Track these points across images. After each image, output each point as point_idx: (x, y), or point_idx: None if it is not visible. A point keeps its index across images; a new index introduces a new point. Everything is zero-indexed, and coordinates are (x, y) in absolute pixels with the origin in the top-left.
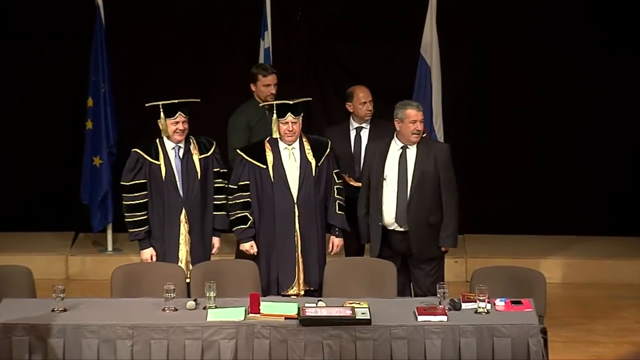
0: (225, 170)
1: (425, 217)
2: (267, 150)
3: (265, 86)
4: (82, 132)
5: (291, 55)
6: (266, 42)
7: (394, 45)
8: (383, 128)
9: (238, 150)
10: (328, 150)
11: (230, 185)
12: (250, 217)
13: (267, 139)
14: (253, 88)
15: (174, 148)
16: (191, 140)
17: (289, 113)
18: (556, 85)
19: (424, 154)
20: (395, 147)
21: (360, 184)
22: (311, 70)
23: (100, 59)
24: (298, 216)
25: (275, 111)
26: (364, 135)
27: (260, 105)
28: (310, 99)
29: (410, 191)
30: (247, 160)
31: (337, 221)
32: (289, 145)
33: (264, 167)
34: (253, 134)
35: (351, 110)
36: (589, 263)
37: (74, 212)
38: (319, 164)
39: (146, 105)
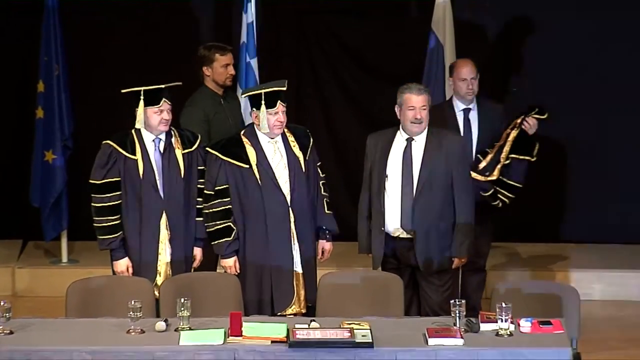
0: None
1: (435, 223)
2: (247, 145)
3: (224, 67)
4: (31, 121)
5: (279, 31)
6: (249, 16)
7: (400, 19)
8: (492, 110)
9: (210, 149)
10: (311, 140)
11: (205, 191)
12: (234, 228)
13: (243, 132)
14: (207, 72)
15: (153, 141)
16: (173, 133)
17: (279, 101)
18: (598, 64)
19: (433, 147)
20: (399, 139)
21: (480, 176)
22: (302, 50)
23: (53, 36)
24: (294, 221)
25: (263, 101)
26: (473, 118)
27: (244, 96)
28: (286, 80)
29: (416, 192)
30: (222, 159)
31: (328, 223)
32: (272, 138)
33: (246, 166)
34: (212, 129)
35: (454, 88)
36: (631, 276)
37: (22, 216)
38: (307, 158)
39: (123, 91)
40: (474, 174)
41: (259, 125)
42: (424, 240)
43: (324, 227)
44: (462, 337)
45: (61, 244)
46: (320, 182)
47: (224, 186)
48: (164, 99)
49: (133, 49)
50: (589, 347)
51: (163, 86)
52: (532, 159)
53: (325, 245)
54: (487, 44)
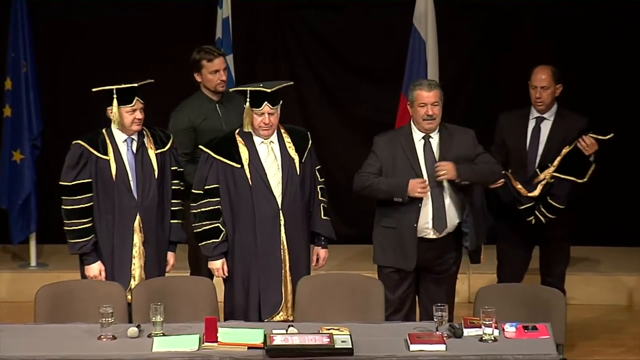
0: (182, 170)
1: (461, 217)
2: (240, 145)
3: (213, 73)
4: None
5: (256, 27)
6: (225, 11)
7: (381, 14)
8: (571, 120)
9: (202, 147)
10: (310, 142)
11: (193, 190)
12: (223, 229)
13: (237, 131)
14: (198, 78)
15: (125, 141)
16: (145, 132)
17: (266, 102)
18: (591, 60)
19: (446, 142)
20: (416, 137)
21: (523, 189)
22: (280, 45)
23: (20, 31)
24: (284, 225)
25: (248, 99)
26: (545, 127)
27: (231, 90)
28: (292, 82)
29: (445, 188)
30: (214, 158)
31: (324, 229)
32: (266, 138)
33: (238, 166)
34: (200, 136)
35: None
36: (619, 280)
37: None
38: (303, 160)
39: (94, 90)
40: (519, 186)
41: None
42: (471, 227)
43: (320, 233)
44: (444, 343)
45: (30, 247)
46: (318, 187)
47: (214, 185)
48: (136, 98)
49: (104, 46)
50: (575, 353)
51: (136, 84)
52: (579, 181)
53: (320, 252)
54: (471, 40)
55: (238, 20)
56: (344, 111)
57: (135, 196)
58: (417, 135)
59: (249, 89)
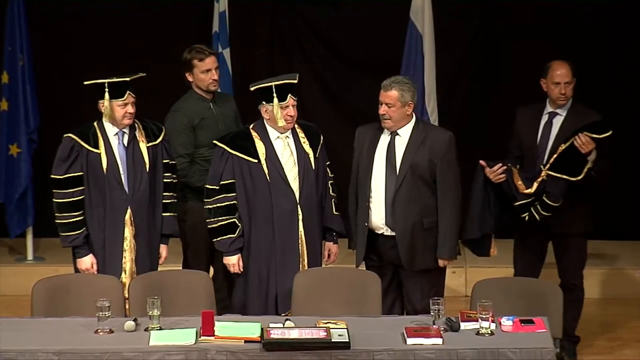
0: (175, 162)
1: (419, 220)
2: (256, 139)
3: (205, 72)
4: None
5: (252, 20)
6: (221, 4)
7: (377, 8)
8: (584, 116)
9: (217, 142)
10: (321, 138)
11: (207, 186)
12: (239, 224)
13: (252, 125)
14: (190, 78)
15: (116, 134)
16: (136, 125)
17: (289, 94)
18: (589, 55)
19: (415, 142)
20: (386, 132)
21: (522, 185)
22: (277, 39)
23: (17, 25)
24: (302, 219)
25: (275, 94)
26: (556, 123)
27: (252, 88)
28: (297, 73)
29: (397, 186)
30: (230, 153)
31: (336, 224)
32: (282, 133)
33: (255, 161)
34: (199, 136)
35: (545, 90)
36: (615, 274)
37: None
38: (317, 155)
39: (85, 83)
40: (519, 182)
41: (268, 119)
42: (406, 238)
43: (332, 229)
44: (441, 337)
45: (26, 241)
46: (329, 182)
47: (230, 181)
48: (128, 92)
49: (101, 40)
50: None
51: (128, 79)
52: (573, 179)
53: (332, 247)
54: (468, 34)
55: (235, 13)
56: (341, 105)
57: (126, 189)
58: (387, 132)
59: (273, 83)
